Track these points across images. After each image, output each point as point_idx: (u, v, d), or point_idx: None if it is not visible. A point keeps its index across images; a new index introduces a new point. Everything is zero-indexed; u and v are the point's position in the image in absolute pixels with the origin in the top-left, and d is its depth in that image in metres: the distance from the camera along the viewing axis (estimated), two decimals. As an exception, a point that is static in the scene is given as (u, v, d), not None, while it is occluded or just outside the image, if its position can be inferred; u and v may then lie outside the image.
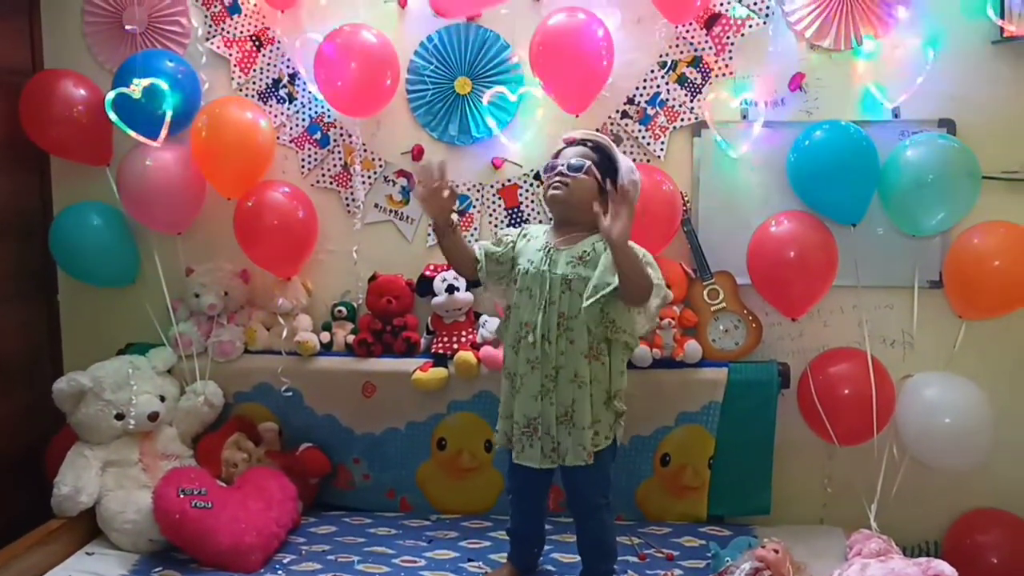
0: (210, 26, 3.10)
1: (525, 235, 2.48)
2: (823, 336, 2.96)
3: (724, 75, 2.93)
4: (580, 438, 2.33)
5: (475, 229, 3.05)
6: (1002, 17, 2.68)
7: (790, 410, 2.93)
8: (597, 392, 2.33)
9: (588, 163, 2.34)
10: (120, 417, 2.89)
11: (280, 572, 2.66)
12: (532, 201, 3.03)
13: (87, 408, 2.86)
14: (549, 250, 2.36)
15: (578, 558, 2.53)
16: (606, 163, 2.36)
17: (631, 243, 2.20)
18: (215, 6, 3.08)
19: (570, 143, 2.42)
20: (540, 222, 2.96)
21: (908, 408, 2.78)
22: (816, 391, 2.83)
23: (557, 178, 2.36)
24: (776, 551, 2.50)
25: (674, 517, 2.96)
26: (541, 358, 2.33)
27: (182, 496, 2.71)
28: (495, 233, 2.81)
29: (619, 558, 2.66)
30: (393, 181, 3.10)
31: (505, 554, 2.64)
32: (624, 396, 2.40)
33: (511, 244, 2.47)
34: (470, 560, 2.69)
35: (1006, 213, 2.77)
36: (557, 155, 2.42)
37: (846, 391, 2.80)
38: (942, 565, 2.24)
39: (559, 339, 2.31)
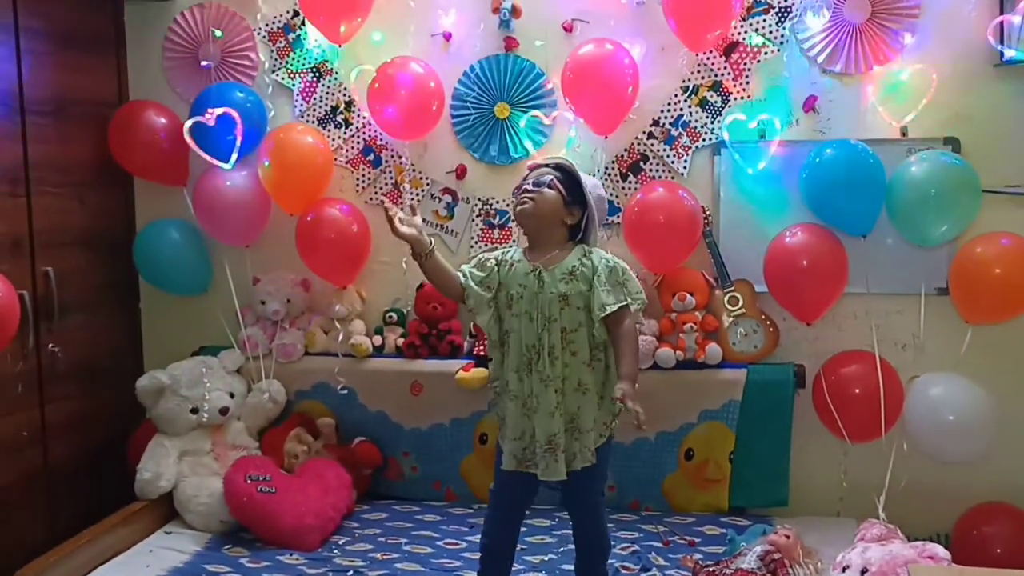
0: (275, 60, 3.30)
1: (506, 263, 2.43)
2: (837, 340, 3.04)
3: (742, 98, 3.04)
4: (585, 441, 2.34)
5: (514, 241, 3.19)
6: (1002, 42, 2.77)
7: (806, 409, 3.02)
8: (596, 395, 2.36)
9: (551, 177, 2.37)
10: (195, 411, 3.07)
11: (336, 551, 2.84)
12: None
13: (166, 403, 3.05)
14: (538, 272, 2.35)
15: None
16: (570, 181, 2.39)
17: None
18: (280, 42, 3.28)
19: (534, 168, 2.46)
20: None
21: (915, 406, 2.89)
22: (828, 391, 2.93)
23: (523, 195, 2.38)
24: (788, 536, 2.62)
25: (698, 508, 3.07)
26: (551, 375, 2.32)
27: (249, 482, 2.90)
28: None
29: (645, 543, 2.84)
30: (439, 198, 3.26)
31: (541, 537, 2.73)
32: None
33: (495, 268, 2.42)
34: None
35: (1009, 225, 2.84)
36: (524, 179, 2.44)
37: (857, 391, 2.90)
38: (936, 548, 2.34)
39: (563, 352, 2.32)
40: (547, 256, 2.39)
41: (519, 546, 2.60)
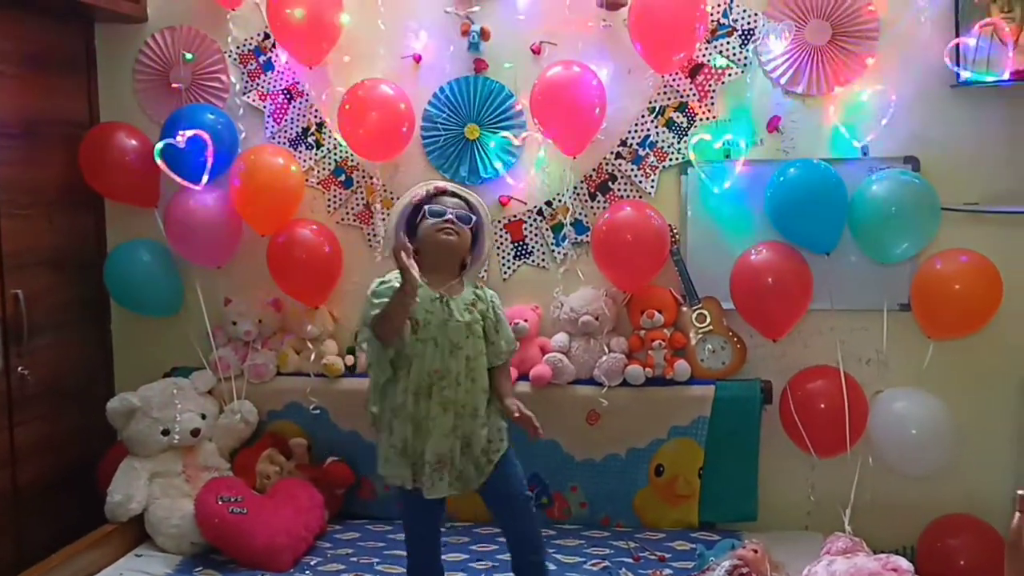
0: (246, 82, 3.32)
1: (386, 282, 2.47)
2: (803, 356, 3.08)
3: (708, 119, 3.09)
4: (477, 461, 2.48)
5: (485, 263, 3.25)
6: (958, 64, 2.84)
7: (773, 424, 3.06)
8: (484, 417, 2.49)
9: (474, 219, 2.52)
10: (166, 433, 3.06)
11: (308, 572, 2.84)
12: (536, 235, 3.23)
13: (137, 424, 3.03)
14: (444, 299, 2.45)
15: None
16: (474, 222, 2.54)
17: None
18: (251, 64, 3.30)
19: (441, 192, 2.54)
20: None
21: (879, 421, 2.94)
22: (795, 406, 2.97)
23: (449, 225, 2.47)
24: (755, 551, 2.65)
25: (668, 524, 3.09)
26: (452, 399, 2.42)
27: (221, 503, 2.89)
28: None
29: (615, 559, 2.87)
30: None
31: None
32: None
33: None
34: (479, 560, 2.89)
35: (967, 242, 2.90)
36: (430, 199, 2.51)
37: (822, 406, 2.94)
38: (900, 560, 2.40)
39: (465, 379, 2.44)
40: (446, 285, 2.50)
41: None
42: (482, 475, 2.50)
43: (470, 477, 2.49)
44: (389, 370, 2.45)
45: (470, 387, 2.47)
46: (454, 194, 2.56)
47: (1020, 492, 1.84)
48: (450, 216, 2.48)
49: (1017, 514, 1.83)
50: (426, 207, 2.51)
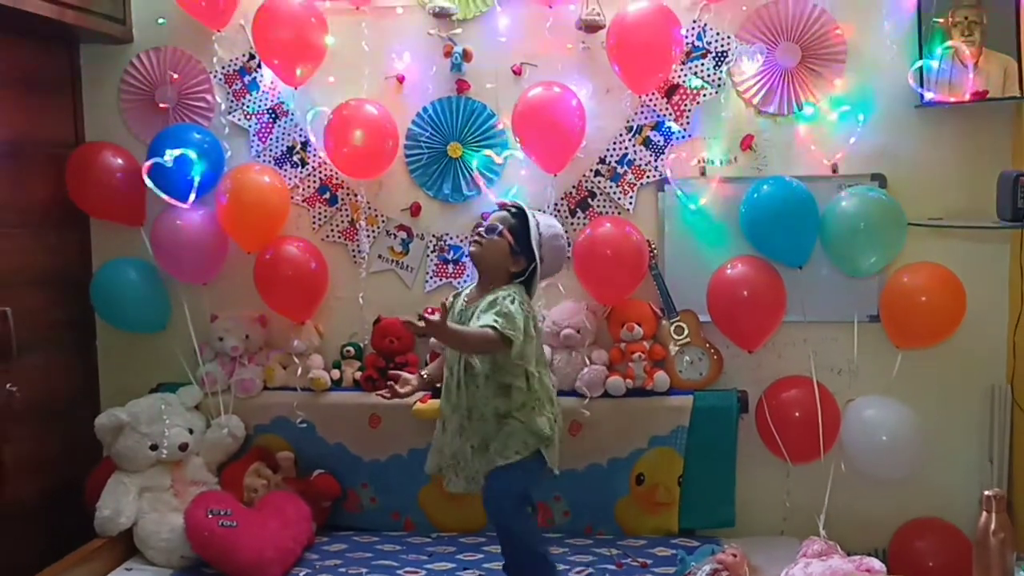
0: (232, 101, 3.36)
1: (457, 297, 2.76)
2: (777, 366, 3.17)
3: (684, 137, 3.19)
4: (489, 462, 2.61)
5: (467, 277, 3.29)
6: (922, 85, 2.96)
7: (750, 433, 3.15)
8: (515, 421, 2.59)
9: (501, 227, 2.61)
10: (154, 448, 3.08)
11: None
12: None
13: (125, 440, 3.05)
14: (471, 310, 2.61)
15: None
16: (525, 230, 2.63)
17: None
18: (236, 84, 3.35)
19: (502, 207, 2.71)
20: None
21: (851, 428, 3.04)
22: (770, 415, 3.07)
23: (475, 237, 2.66)
24: (735, 555, 2.75)
25: (649, 531, 3.16)
26: (457, 402, 2.63)
27: (210, 516, 2.91)
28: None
29: (599, 566, 2.93)
30: (394, 235, 3.33)
31: (500, 564, 2.81)
32: (550, 418, 2.64)
33: (451, 303, 2.73)
34: (466, 569, 2.94)
35: (933, 255, 3.01)
36: (487, 218, 2.71)
37: (797, 414, 3.04)
38: (873, 561, 2.51)
39: (468, 383, 2.60)
40: (482, 294, 2.63)
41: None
42: (470, 488, 2.65)
43: (480, 480, 2.63)
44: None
45: (474, 391, 2.60)
46: (508, 207, 2.70)
47: (987, 493, 1.94)
48: (479, 229, 2.66)
49: (984, 513, 1.93)
50: None
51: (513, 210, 2.68)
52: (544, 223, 2.68)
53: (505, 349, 2.51)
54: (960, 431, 3.16)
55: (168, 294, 3.38)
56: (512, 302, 2.56)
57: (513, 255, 2.62)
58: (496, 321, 2.49)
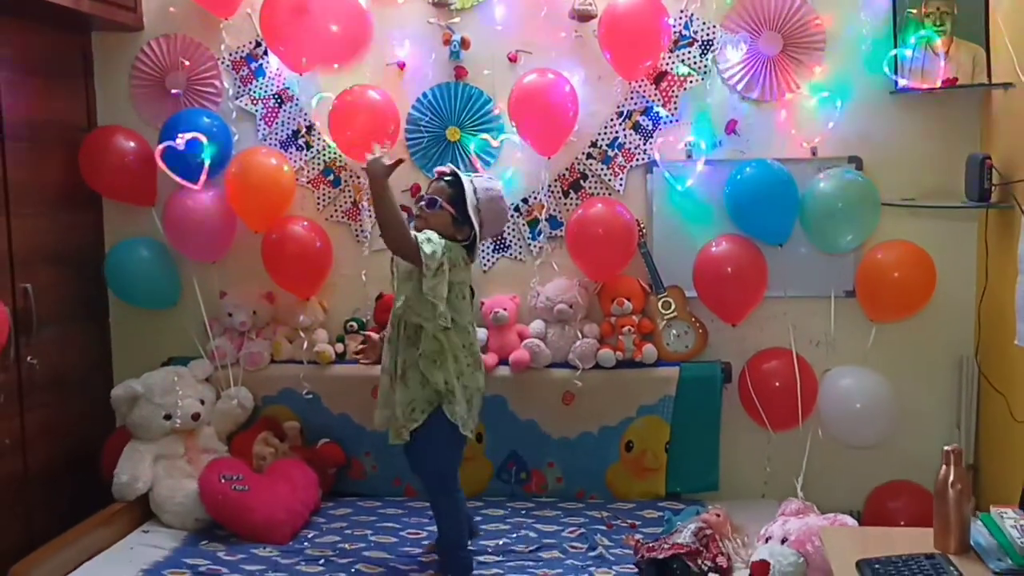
0: (239, 87, 3.47)
1: None
2: (759, 339, 3.32)
3: (671, 122, 3.32)
4: (396, 421, 2.75)
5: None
6: (896, 73, 3.11)
7: (733, 402, 3.31)
8: (414, 379, 2.72)
9: (440, 200, 2.68)
10: (168, 417, 3.20)
11: (306, 543, 3.02)
12: (513, 230, 3.43)
13: (140, 410, 3.18)
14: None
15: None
16: (462, 195, 2.68)
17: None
18: (243, 70, 3.46)
19: (440, 175, 2.79)
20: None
21: (828, 397, 3.19)
22: (752, 385, 3.22)
23: (417, 212, 2.75)
24: (718, 515, 2.90)
25: (637, 494, 3.31)
26: (390, 353, 2.76)
27: (224, 481, 3.06)
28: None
29: (591, 527, 3.08)
30: None
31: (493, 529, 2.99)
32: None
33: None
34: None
35: (905, 233, 3.16)
36: (430, 185, 2.80)
37: (777, 384, 3.19)
38: (846, 518, 2.63)
39: (394, 338, 2.75)
40: None
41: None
42: (396, 436, 2.78)
43: (404, 434, 2.77)
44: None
45: (396, 344, 2.74)
46: (444, 175, 2.77)
47: (946, 448, 2.11)
48: (421, 203, 2.73)
49: (943, 467, 2.10)
50: None
51: (450, 178, 2.74)
52: (480, 186, 2.73)
53: (415, 258, 2.58)
54: (930, 399, 3.32)
55: (179, 272, 3.50)
56: (438, 243, 2.62)
57: (456, 225, 2.69)
58: (417, 237, 2.60)
